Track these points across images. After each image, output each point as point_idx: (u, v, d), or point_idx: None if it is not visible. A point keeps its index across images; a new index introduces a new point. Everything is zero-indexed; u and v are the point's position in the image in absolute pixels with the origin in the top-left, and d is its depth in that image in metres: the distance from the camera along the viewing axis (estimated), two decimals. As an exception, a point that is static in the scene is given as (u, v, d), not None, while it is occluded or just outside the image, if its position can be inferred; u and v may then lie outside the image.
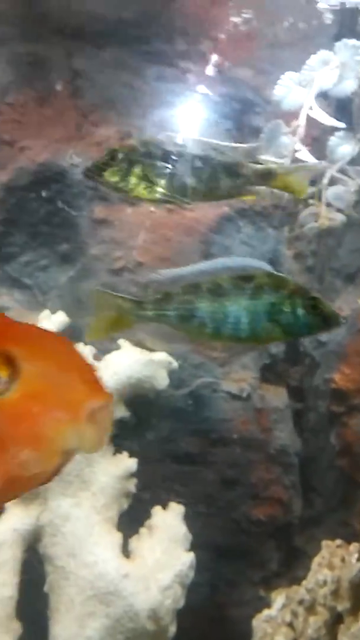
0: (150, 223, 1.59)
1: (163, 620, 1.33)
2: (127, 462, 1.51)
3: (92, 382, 0.48)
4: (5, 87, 1.45)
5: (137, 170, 1.07)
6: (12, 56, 1.46)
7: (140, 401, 1.59)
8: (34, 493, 1.44)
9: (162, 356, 1.57)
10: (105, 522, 1.43)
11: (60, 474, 0.48)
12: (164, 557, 1.41)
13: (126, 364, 1.54)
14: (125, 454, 1.52)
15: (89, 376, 0.48)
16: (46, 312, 1.60)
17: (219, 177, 1.07)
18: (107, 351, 1.60)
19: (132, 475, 1.50)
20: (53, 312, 1.61)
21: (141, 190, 1.08)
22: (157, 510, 1.50)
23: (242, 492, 1.62)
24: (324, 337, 1.57)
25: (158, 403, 1.65)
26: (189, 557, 1.43)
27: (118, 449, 1.53)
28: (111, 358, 1.57)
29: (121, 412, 1.56)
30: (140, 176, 1.07)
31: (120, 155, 1.07)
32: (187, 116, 1.62)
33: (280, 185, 1.10)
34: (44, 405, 0.46)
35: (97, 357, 1.61)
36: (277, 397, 1.66)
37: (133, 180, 1.07)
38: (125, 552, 1.42)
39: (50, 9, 1.44)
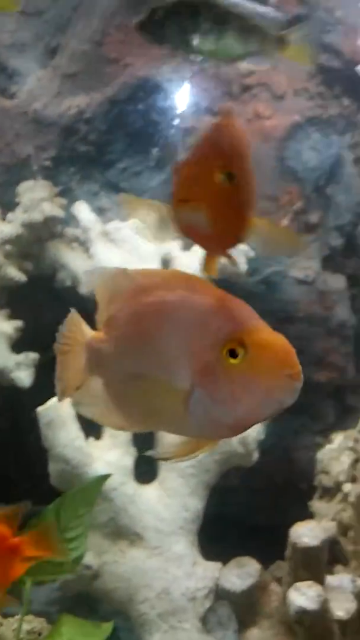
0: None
1: (250, 446, 1.69)
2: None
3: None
4: (114, 12, 1.71)
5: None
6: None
7: (221, 285, 1.90)
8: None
9: (241, 245, 1.87)
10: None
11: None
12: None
13: (213, 250, 1.85)
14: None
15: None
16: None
17: (232, 38, 1.10)
18: (192, 245, 1.91)
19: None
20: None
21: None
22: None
23: (307, 360, 1.94)
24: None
25: (235, 288, 1.96)
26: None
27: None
28: (198, 246, 1.88)
29: (207, 292, 1.88)
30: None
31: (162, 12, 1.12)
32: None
33: (290, 54, 1.13)
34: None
35: (184, 249, 1.92)
36: (336, 282, 1.97)
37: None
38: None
39: None
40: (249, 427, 0.71)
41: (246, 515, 1.81)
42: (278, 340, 0.67)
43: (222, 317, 0.69)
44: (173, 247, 1.86)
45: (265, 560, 1.65)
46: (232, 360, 0.67)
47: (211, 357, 0.68)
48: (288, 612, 1.08)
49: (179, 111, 1.87)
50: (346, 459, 1.56)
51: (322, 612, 1.07)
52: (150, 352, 0.72)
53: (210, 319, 0.69)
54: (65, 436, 1.61)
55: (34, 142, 1.88)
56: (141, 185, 1.96)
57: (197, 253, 1.89)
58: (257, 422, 0.71)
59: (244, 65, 1.80)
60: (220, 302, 0.70)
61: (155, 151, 1.92)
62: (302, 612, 1.07)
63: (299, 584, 1.11)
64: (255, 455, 1.72)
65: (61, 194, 1.90)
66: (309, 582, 1.11)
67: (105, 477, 1.51)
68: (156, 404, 0.72)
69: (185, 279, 0.73)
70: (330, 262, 1.99)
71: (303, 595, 1.07)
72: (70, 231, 1.90)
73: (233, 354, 0.67)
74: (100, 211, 1.95)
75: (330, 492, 1.61)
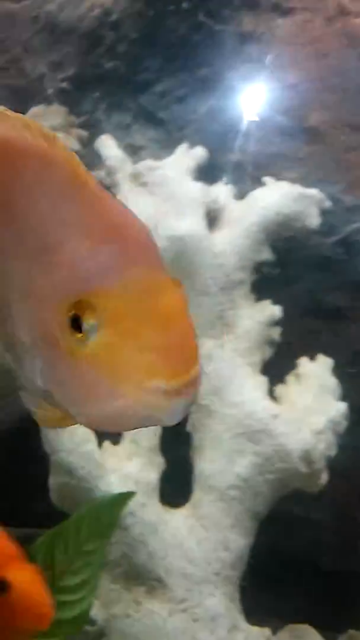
0: (306, 35, 1.37)
1: (316, 464, 1.24)
2: (272, 309, 1.39)
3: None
4: None
5: None
6: None
7: (286, 247, 1.44)
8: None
9: (314, 192, 1.39)
10: (248, 366, 1.33)
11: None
12: (315, 403, 1.30)
13: (274, 198, 1.39)
14: (268, 301, 1.41)
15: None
16: (183, 147, 1.46)
17: None
18: (248, 191, 1.45)
19: (276, 323, 1.39)
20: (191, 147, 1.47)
21: None
22: (304, 361, 1.39)
23: None
24: None
25: (305, 252, 1.50)
26: (342, 405, 1.31)
27: (260, 297, 1.41)
28: (257, 194, 1.42)
29: (266, 254, 1.42)
30: None
31: None
32: None
33: None
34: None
35: (237, 197, 1.47)
36: None
37: None
38: (272, 398, 1.33)
39: None
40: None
41: (311, 558, 1.36)
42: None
43: (72, 258, 0.44)
44: (221, 192, 1.41)
45: (333, 624, 1.21)
46: (77, 335, 0.43)
47: (52, 322, 0.44)
48: None
49: (233, 11, 1.39)
50: None
51: None
52: None
53: (53, 256, 0.44)
54: (69, 439, 1.22)
55: (48, 57, 1.47)
56: (185, 115, 1.51)
57: (255, 201, 1.43)
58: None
59: None
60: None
61: (203, 69, 1.46)
62: None
63: None
64: (324, 477, 1.27)
65: (82, 125, 1.49)
66: None
67: (127, 496, 1.08)
68: None
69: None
70: None
71: None
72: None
73: (76, 323, 0.43)
74: (131, 149, 1.52)
75: None
